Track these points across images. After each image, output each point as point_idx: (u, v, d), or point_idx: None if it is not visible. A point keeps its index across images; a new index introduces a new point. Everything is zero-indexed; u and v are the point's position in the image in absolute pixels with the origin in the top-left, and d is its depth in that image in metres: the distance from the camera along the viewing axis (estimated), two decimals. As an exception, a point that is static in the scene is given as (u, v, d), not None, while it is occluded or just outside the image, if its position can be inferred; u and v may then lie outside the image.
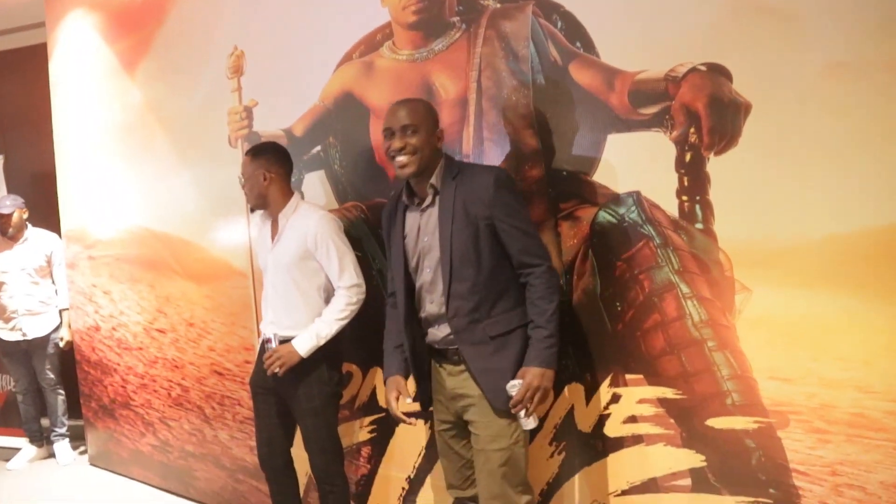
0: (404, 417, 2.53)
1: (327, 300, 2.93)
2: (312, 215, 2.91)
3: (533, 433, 2.54)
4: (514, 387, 2.25)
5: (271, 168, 2.93)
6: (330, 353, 2.90)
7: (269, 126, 3.47)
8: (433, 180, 2.37)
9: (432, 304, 2.42)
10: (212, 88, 3.72)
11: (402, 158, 2.34)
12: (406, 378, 2.57)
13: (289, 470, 3.17)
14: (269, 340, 2.88)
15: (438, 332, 2.43)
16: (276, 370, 2.83)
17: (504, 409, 2.28)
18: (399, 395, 2.54)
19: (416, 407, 2.60)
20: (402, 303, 2.48)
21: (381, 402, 3.20)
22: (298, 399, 2.92)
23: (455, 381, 2.42)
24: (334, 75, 3.19)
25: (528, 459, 2.39)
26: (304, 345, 2.83)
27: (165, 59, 4.07)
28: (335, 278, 2.89)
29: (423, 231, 2.41)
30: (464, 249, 2.30)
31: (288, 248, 2.90)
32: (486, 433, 2.33)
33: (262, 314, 3.11)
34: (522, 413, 2.26)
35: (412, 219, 2.46)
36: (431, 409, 2.58)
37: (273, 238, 2.97)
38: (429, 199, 2.39)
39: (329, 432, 2.99)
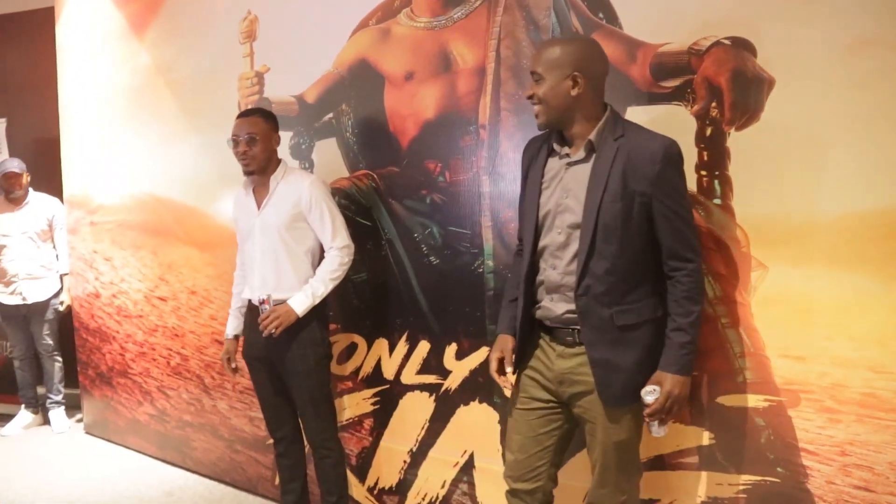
0: (500, 380, 2.34)
1: (313, 264, 2.96)
2: (304, 179, 2.95)
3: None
4: (651, 393, 2.06)
5: (276, 132, 2.98)
6: (320, 314, 2.95)
7: (281, 92, 3.44)
8: (592, 136, 2.09)
9: (555, 269, 2.16)
10: (223, 53, 3.68)
11: (534, 108, 2.13)
12: (515, 338, 2.32)
13: (298, 439, 3.16)
14: (265, 301, 2.87)
15: (554, 308, 2.19)
16: (273, 330, 2.83)
17: (616, 405, 2.12)
18: (502, 357, 2.32)
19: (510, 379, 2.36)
20: (527, 257, 2.23)
21: (386, 374, 3.18)
22: (292, 361, 2.92)
23: (567, 363, 2.19)
24: (349, 42, 3.16)
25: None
26: (301, 304, 2.85)
27: (176, 21, 4.03)
28: (328, 240, 2.91)
29: (565, 186, 2.14)
30: (612, 223, 2.04)
31: (280, 211, 2.90)
32: (604, 424, 2.14)
33: (244, 280, 3.10)
34: (656, 423, 2.10)
35: (555, 167, 2.19)
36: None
37: (260, 203, 2.95)
38: (581, 154, 2.11)
39: (323, 394, 3.01)
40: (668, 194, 2.03)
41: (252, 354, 3.05)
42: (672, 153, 2.04)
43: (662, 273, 2.12)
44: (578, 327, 2.15)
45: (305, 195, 2.88)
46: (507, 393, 2.47)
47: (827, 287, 2.06)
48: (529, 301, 2.26)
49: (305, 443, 3.14)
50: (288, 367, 2.94)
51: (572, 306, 2.14)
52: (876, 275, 1.99)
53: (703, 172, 2.24)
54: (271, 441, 3.24)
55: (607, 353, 2.10)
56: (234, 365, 3.16)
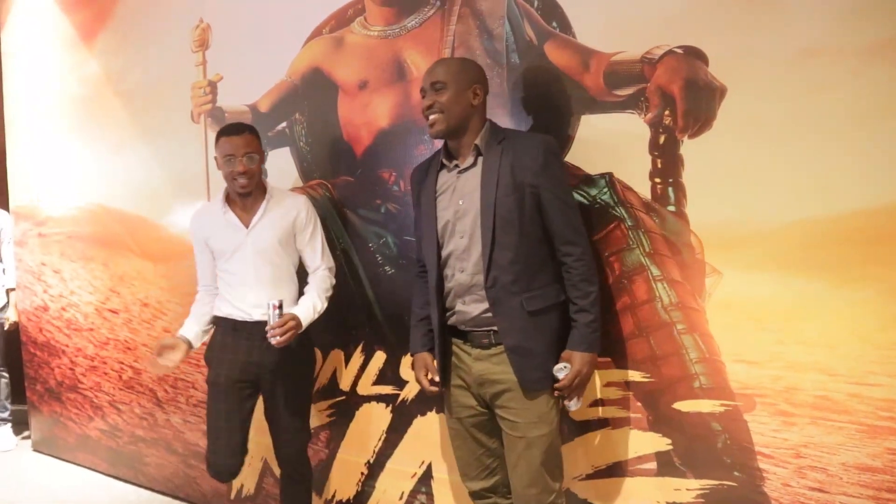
0: (435, 390, 2.44)
1: (295, 283, 2.90)
2: (297, 197, 2.91)
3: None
4: (561, 370, 2.19)
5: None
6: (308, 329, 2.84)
7: (234, 101, 3.40)
8: (477, 141, 2.25)
9: (463, 272, 2.28)
10: (175, 62, 3.63)
11: (431, 117, 2.26)
12: (432, 353, 2.45)
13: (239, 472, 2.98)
14: (276, 307, 2.65)
15: (469, 310, 2.29)
16: (280, 338, 2.64)
17: (534, 389, 2.22)
18: (427, 372, 2.45)
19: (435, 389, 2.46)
20: (433, 271, 2.35)
21: (342, 385, 3.15)
22: (288, 374, 2.83)
23: (484, 365, 2.30)
24: (303, 51, 3.14)
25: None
26: (307, 318, 2.75)
27: (126, 29, 3.97)
28: (317, 259, 2.87)
29: (459, 193, 2.28)
30: (508, 216, 2.18)
31: (275, 229, 2.81)
32: (526, 419, 2.24)
33: (212, 299, 2.94)
34: (567, 397, 2.21)
35: (446, 180, 2.33)
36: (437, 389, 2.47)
37: (247, 221, 2.82)
38: (469, 161, 2.27)
39: (308, 414, 2.95)
40: (554, 183, 2.20)
41: (232, 376, 2.84)
42: (551, 146, 2.22)
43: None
44: (494, 328, 2.26)
45: (303, 214, 2.84)
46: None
47: (779, 292, 2.08)
48: (442, 311, 2.36)
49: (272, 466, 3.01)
50: (281, 381, 2.83)
51: (486, 305, 2.25)
52: (825, 280, 2.02)
53: (658, 180, 2.25)
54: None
55: (521, 340, 2.22)
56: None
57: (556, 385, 2.21)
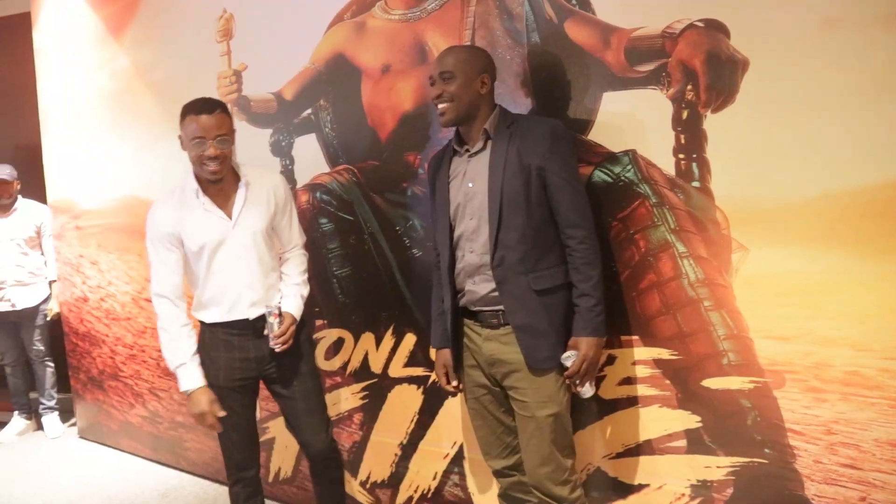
0: (452, 389, 2.52)
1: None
2: (272, 175, 2.78)
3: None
4: (569, 358, 2.22)
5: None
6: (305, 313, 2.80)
7: (259, 90, 3.42)
8: (486, 125, 2.29)
9: (472, 253, 2.33)
10: (201, 52, 3.66)
11: (440, 106, 2.30)
12: (452, 349, 2.47)
13: (258, 478, 2.91)
14: (276, 314, 2.60)
15: (478, 289, 2.34)
16: (285, 345, 2.63)
17: (541, 368, 2.25)
18: (447, 371, 2.51)
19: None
20: (445, 253, 2.40)
21: (373, 368, 3.18)
22: (295, 364, 2.75)
23: (493, 345, 2.35)
24: (325, 37, 3.14)
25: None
26: (299, 310, 2.71)
27: (153, 22, 4.00)
28: (294, 236, 2.81)
29: (469, 176, 2.33)
30: (514, 197, 2.22)
31: (259, 215, 2.66)
32: (535, 399, 2.28)
33: (215, 301, 2.68)
34: (579, 383, 2.24)
35: (458, 165, 2.38)
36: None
37: (228, 211, 2.63)
38: (479, 145, 2.31)
39: (323, 394, 2.90)
40: (561, 166, 2.21)
41: (232, 375, 2.70)
42: (559, 129, 2.24)
43: None
44: (502, 307, 2.29)
45: (281, 193, 2.73)
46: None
47: (807, 266, 2.06)
48: (453, 292, 2.40)
49: (305, 460, 2.90)
50: (289, 372, 2.75)
51: (494, 284, 2.29)
52: (854, 253, 1.99)
53: (681, 156, 2.23)
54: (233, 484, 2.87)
55: (528, 319, 2.26)
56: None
57: (566, 373, 2.23)
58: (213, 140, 2.50)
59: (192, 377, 2.60)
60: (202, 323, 2.73)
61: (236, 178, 2.66)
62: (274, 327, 2.61)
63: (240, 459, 2.80)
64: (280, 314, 2.62)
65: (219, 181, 2.60)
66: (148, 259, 2.69)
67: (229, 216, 2.63)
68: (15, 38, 5.50)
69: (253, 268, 2.66)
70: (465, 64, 2.26)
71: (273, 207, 2.71)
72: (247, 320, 2.67)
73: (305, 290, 2.79)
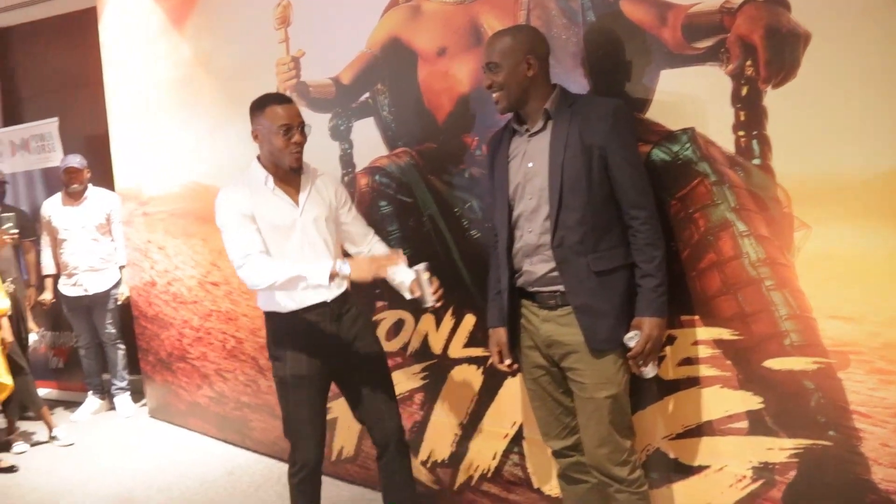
0: (507, 369, 2.53)
1: None
2: (326, 172, 2.86)
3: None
4: (632, 339, 2.22)
5: None
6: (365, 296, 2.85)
7: (317, 75, 3.46)
8: (547, 105, 2.28)
9: (531, 233, 2.32)
10: (259, 40, 3.72)
11: (493, 95, 2.32)
12: (508, 329, 2.47)
13: (321, 462, 2.85)
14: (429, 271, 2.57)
15: (535, 270, 2.33)
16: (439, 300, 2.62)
17: (601, 349, 2.25)
18: (500, 350, 2.51)
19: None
20: (503, 232, 2.40)
21: (433, 349, 3.21)
22: (368, 347, 2.79)
23: (550, 327, 2.35)
24: (381, 21, 3.17)
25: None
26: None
27: (213, 12, 4.09)
28: (364, 225, 2.87)
29: (529, 156, 2.32)
30: (575, 177, 2.21)
31: (322, 206, 2.72)
32: (594, 380, 2.28)
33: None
34: (642, 363, 2.25)
35: (518, 144, 2.38)
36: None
37: (295, 198, 2.70)
38: (539, 124, 2.30)
39: (392, 382, 2.89)
40: (621, 147, 2.20)
41: (315, 364, 2.71)
42: (621, 110, 2.23)
43: None
44: (561, 288, 2.28)
45: (340, 189, 2.84)
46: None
47: (873, 245, 2.00)
48: (511, 272, 2.40)
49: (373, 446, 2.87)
50: (362, 356, 2.77)
51: (553, 265, 2.28)
52: (923, 230, 1.94)
53: (741, 133, 2.19)
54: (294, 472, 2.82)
55: (588, 299, 2.25)
56: None
57: (629, 354, 2.23)
58: (297, 128, 2.61)
59: (319, 267, 2.53)
60: (276, 315, 2.73)
61: (301, 169, 2.71)
62: (429, 284, 2.57)
63: (310, 452, 2.77)
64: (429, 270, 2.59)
65: (299, 169, 2.67)
66: (224, 237, 2.68)
67: (297, 203, 2.69)
68: (82, 32, 5.66)
69: (322, 253, 2.69)
70: (509, 51, 2.25)
71: (334, 201, 2.77)
72: (326, 304, 2.69)
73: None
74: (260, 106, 2.64)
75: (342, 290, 2.70)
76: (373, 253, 2.83)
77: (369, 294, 2.87)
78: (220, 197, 2.73)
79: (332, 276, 2.49)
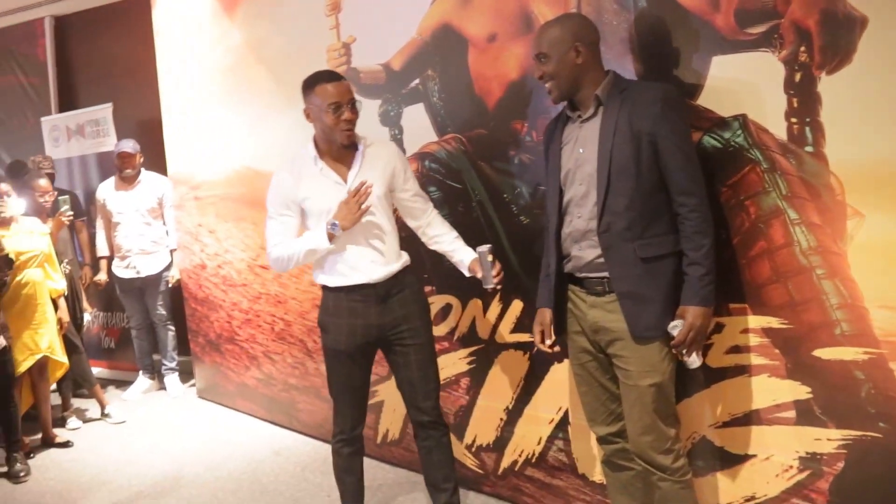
0: (547, 349, 2.56)
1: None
2: (389, 144, 2.91)
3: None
4: (676, 327, 2.21)
5: None
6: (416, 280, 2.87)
7: (368, 61, 3.49)
8: (598, 91, 2.29)
9: (580, 218, 2.34)
10: (310, 26, 3.75)
11: (546, 85, 2.34)
12: (554, 312, 2.51)
13: (361, 436, 2.95)
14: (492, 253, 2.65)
15: (584, 255, 2.35)
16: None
17: (645, 337, 2.26)
18: (542, 329, 2.53)
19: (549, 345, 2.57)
20: (553, 217, 2.42)
21: (480, 333, 3.24)
22: (417, 330, 2.80)
23: (597, 313, 2.37)
24: (432, 8, 3.18)
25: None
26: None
27: (264, -1, 4.14)
28: (423, 200, 2.88)
29: (580, 142, 2.34)
30: (624, 163, 2.21)
31: (377, 180, 2.69)
32: (638, 368, 2.29)
33: (337, 265, 2.73)
34: (686, 353, 2.24)
35: (571, 131, 2.39)
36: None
37: (344, 176, 2.70)
38: (591, 111, 2.31)
39: (437, 364, 2.91)
40: (672, 131, 2.19)
41: (354, 341, 2.76)
42: (671, 95, 2.23)
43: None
44: (608, 274, 2.30)
45: (397, 160, 2.79)
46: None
47: (928, 234, 1.98)
48: (559, 257, 2.43)
49: (410, 427, 2.95)
50: (408, 337, 2.78)
51: (600, 251, 2.30)
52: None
53: (794, 120, 2.17)
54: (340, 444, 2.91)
55: (633, 286, 2.26)
56: None
57: (672, 342, 2.23)
58: (346, 105, 2.62)
59: (318, 233, 2.67)
60: (326, 288, 2.80)
61: (354, 146, 2.73)
62: (491, 267, 2.65)
63: (346, 419, 2.86)
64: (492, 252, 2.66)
65: (351, 146, 2.70)
66: (266, 219, 2.80)
67: (345, 181, 2.70)
68: (135, 20, 5.78)
69: (370, 231, 2.71)
70: (557, 41, 2.27)
71: (391, 172, 2.76)
72: (369, 285, 2.72)
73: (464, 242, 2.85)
74: (310, 84, 2.67)
75: (389, 272, 2.73)
76: (431, 227, 2.88)
77: (419, 279, 2.89)
78: (273, 176, 2.83)
79: (330, 238, 2.63)
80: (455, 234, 2.87)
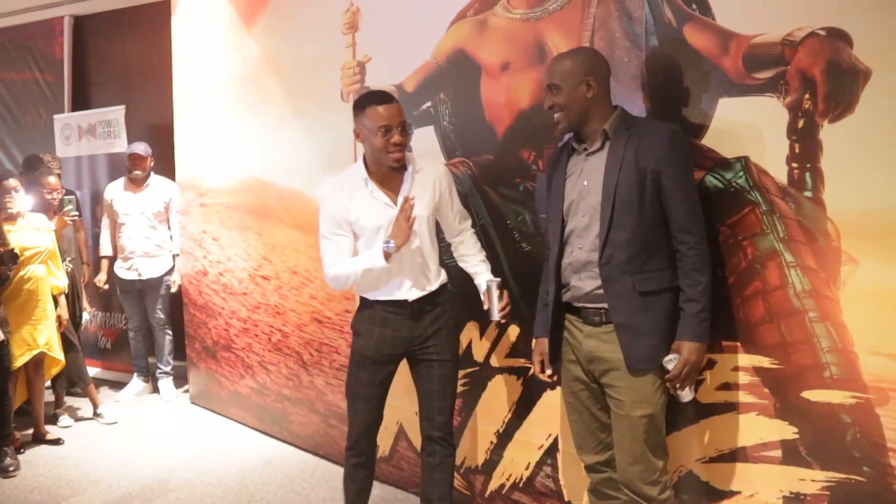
0: (546, 378, 2.63)
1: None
2: (434, 163, 2.95)
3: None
4: (671, 361, 2.26)
5: None
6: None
7: (381, 81, 3.54)
8: (606, 126, 2.34)
9: (581, 249, 2.38)
10: (326, 43, 3.82)
11: (554, 116, 2.39)
12: (550, 341, 2.56)
13: (374, 446, 2.99)
14: (500, 287, 2.76)
15: (583, 286, 2.40)
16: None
17: (640, 368, 2.29)
18: (542, 359, 2.59)
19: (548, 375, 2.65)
20: (555, 247, 2.47)
21: (476, 356, 3.27)
22: (443, 348, 2.85)
23: (593, 343, 2.41)
24: (448, 32, 3.24)
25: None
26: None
27: (283, 13, 4.20)
28: (463, 217, 2.93)
29: (585, 174, 2.39)
30: (627, 198, 2.26)
31: (423, 204, 2.74)
32: (631, 399, 2.32)
33: (378, 279, 2.77)
34: (679, 387, 2.28)
35: (576, 163, 2.45)
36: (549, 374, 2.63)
37: (394, 198, 2.73)
38: (597, 144, 2.36)
39: (457, 383, 2.96)
40: (677, 171, 2.24)
41: (381, 349, 2.82)
42: (678, 135, 2.27)
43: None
44: (606, 305, 2.34)
45: (445, 183, 2.84)
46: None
47: (920, 284, 2.02)
48: (558, 286, 2.47)
49: (420, 444, 2.99)
50: (433, 353, 2.83)
51: (600, 281, 2.33)
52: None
53: (795, 165, 2.21)
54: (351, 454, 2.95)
55: (631, 318, 2.31)
56: None
57: (667, 376, 2.27)
58: (397, 128, 2.64)
59: (374, 252, 2.69)
60: (363, 298, 2.88)
61: (403, 167, 2.76)
62: (500, 300, 2.74)
63: (354, 427, 2.89)
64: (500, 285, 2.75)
65: (400, 168, 2.73)
66: (320, 241, 2.83)
67: (394, 203, 2.73)
68: (153, 24, 5.85)
69: (414, 253, 2.76)
70: (569, 73, 2.33)
71: (438, 196, 2.82)
72: (406, 301, 2.78)
73: (489, 267, 2.90)
74: (361, 105, 2.70)
75: (425, 293, 2.79)
76: (463, 245, 2.94)
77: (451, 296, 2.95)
78: (323, 195, 2.89)
79: (387, 256, 2.65)
80: (482, 256, 2.93)
